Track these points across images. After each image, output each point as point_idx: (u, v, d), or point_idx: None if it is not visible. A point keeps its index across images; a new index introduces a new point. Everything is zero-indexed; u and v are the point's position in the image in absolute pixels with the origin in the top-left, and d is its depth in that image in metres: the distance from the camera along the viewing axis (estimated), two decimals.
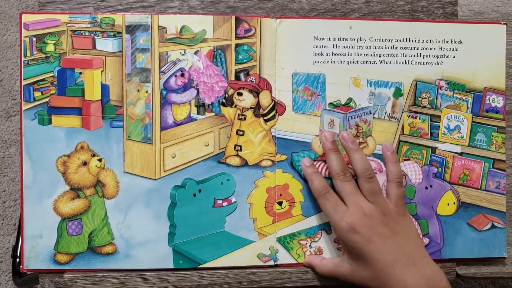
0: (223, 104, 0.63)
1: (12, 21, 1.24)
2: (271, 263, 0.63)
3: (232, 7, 0.64)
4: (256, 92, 0.63)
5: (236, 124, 0.64)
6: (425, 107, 0.66)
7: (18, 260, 0.79)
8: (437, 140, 0.66)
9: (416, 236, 0.59)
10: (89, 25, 0.62)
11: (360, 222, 0.56)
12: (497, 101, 0.67)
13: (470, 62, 0.66)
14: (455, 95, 0.66)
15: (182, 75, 0.63)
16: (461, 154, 0.66)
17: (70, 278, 0.61)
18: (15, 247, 0.80)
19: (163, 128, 0.62)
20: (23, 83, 0.60)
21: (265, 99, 0.64)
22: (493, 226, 0.66)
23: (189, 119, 0.63)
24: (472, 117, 0.66)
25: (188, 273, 0.63)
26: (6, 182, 1.16)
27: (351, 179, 0.60)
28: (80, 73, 0.61)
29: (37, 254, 0.61)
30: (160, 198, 0.62)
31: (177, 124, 0.63)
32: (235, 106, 0.63)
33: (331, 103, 0.64)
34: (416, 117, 0.66)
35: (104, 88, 0.62)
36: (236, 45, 0.63)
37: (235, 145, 0.63)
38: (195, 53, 0.63)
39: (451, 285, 0.57)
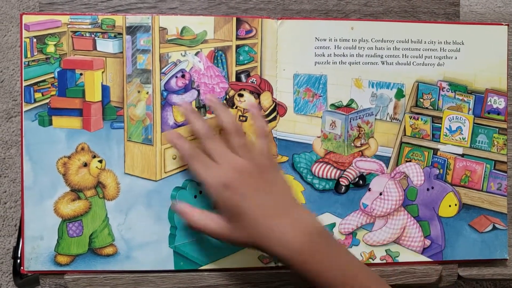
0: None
1: (13, 21, 1.24)
2: (272, 264, 0.63)
3: (233, 8, 0.64)
4: (257, 93, 0.63)
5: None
6: (426, 108, 0.66)
7: (19, 261, 0.78)
8: (439, 142, 0.66)
9: (288, 187, 0.57)
10: (89, 26, 0.61)
11: (232, 178, 0.54)
12: (499, 103, 0.66)
13: (472, 63, 0.66)
14: (456, 96, 0.66)
15: (183, 76, 0.62)
16: (462, 155, 0.66)
17: (71, 279, 0.61)
18: (16, 248, 0.79)
19: (164, 129, 0.62)
20: (24, 84, 0.60)
21: (266, 100, 0.63)
22: (494, 228, 0.66)
23: None
24: (474, 119, 0.66)
25: (189, 274, 0.62)
26: (7, 183, 1.17)
27: (218, 138, 0.57)
28: (81, 74, 0.61)
29: (37, 256, 0.61)
30: (161, 199, 0.62)
31: (178, 125, 0.62)
32: (236, 107, 0.63)
33: (332, 104, 0.64)
34: (418, 119, 0.65)
35: (105, 89, 0.61)
36: (237, 46, 0.63)
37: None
38: (196, 54, 0.63)
39: (452, 287, 0.57)
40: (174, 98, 0.62)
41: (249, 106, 0.62)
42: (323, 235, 0.54)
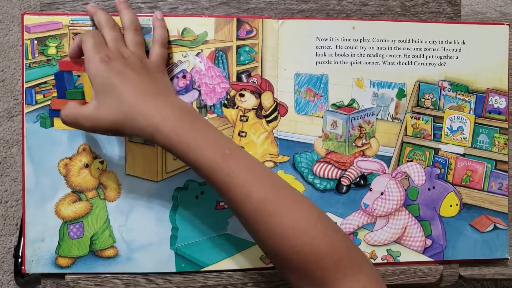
0: (225, 106, 0.63)
1: (14, 21, 1.24)
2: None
3: (234, 7, 0.64)
4: (258, 93, 0.63)
5: (238, 126, 0.63)
6: (428, 108, 0.65)
7: (20, 260, 0.79)
8: (440, 141, 0.66)
9: (166, 82, 0.59)
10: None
11: (115, 56, 0.54)
12: (500, 102, 0.66)
13: (473, 63, 0.66)
14: (458, 96, 0.66)
15: (184, 76, 0.62)
16: (463, 155, 0.66)
17: (72, 279, 0.61)
18: (17, 247, 0.80)
19: None
20: (25, 85, 0.60)
21: (267, 100, 0.63)
22: (495, 228, 0.66)
23: None
24: (475, 118, 0.66)
25: (191, 274, 0.63)
26: (8, 182, 1.17)
27: (116, 28, 0.58)
28: (79, 75, 0.61)
29: (38, 258, 0.61)
30: (162, 200, 0.62)
31: None
32: (237, 107, 0.63)
33: (334, 104, 0.64)
34: (419, 118, 0.65)
35: None
36: (238, 47, 0.63)
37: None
38: (197, 54, 0.63)
39: (453, 287, 0.57)
40: None
41: (157, 17, 0.62)
42: (199, 115, 0.56)
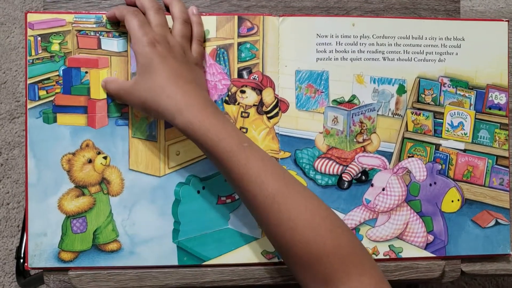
0: (226, 102, 0.64)
1: (16, 23, 1.25)
2: (275, 260, 0.63)
3: (235, 5, 0.65)
4: (259, 90, 0.64)
5: (239, 122, 0.64)
6: (428, 103, 0.66)
7: (22, 261, 0.79)
8: (441, 137, 0.66)
9: (202, 76, 0.62)
10: (94, 25, 0.62)
11: (161, 40, 0.57)
12: (500, 98, 0.67)
13: (473, 59, 0.67)
14: (458, 92, 0.66)
15: None
16: (464, 151, 0.66)
17: (75, 275, 0.61)
18: (19, 248, 0.80)
19: (168, 126, 0.62)
20: (28, 82, 0.61)
21: (268, 97, 0.64)
22: (497, 223, 0.66)
23: None
24: (475, 114, 0.66)
25: (192, 270, 0.63)
26: (10, 184, 1.17)
27: (163, 14, 0.60)
28: (86, 72, 0.62)
29: (41, 252, 0.61)
30: (165, 195, 0.62)
31: None
32: (238, 104, 0.64)
33: (334, 100, 0.65)
34: (419, 114, 0.66)
35: None
36: (239, 44, 0.64)
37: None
38: None
39: (455, 287, 0.57)
40: None
41: (192, 12, 0.63)
42: (216, 109, 0.56)
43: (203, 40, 0.63)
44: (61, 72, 0.61)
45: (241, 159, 0.52)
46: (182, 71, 0.56)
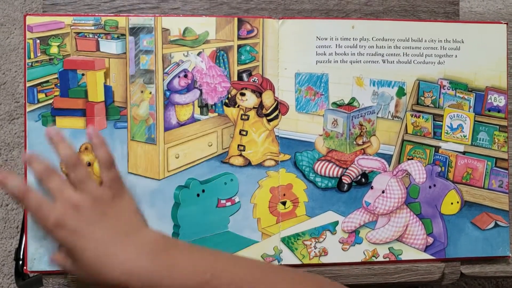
0: (226, 105, 0.64)
1: (16, 24, 1.25)
2: (275, 263, 0.63)
3: (235, 8, 0.65)
4: (259, 92, 0.64)
5: (239, 124, 0.64)
6: (428, 106, 0.66)
7: (21, 262, 0.78)
8: (440, 139, 0.66)
9: (129, 212, 0.55)
10: (93, 28, 0.62)
11: (66, 215, 0.51)
12: (499, 100, 0.67)
13: (472, 61, 0.67)
14: (457, 94, 0.66)
15: (185, 76, 0.63)
16: (464, 153, 0.66)
17: (74, 278, 0.61)
18: (18, 250, 0.79)
19: (167, 128, 0.62)
20: (27, 84, 0.61)
21: (268, 99, 0.64)
22: (496, 225, 0.66)
23: (193, 120, 0.63)
24: (475, 116, 0.66)
25: None
26: None
27: (55, 175, 0.54)
28: (83, 74, 0.61)
29: (40, 256, 0.61)
30: (164, 198, 0.62)
31: (180, 124, 0.63)
32: (238, 106, 0.64)
33: (334, 103, 0.65)
34: (419, 116, 0.66)
35: (107, 90, 0.62)
36: (239, 46, 0.64)
37: (238, 145, 0.63)
38: (198, 54, 0.63)
39: (453, 284, 0.57)
40: (177, 97, 0.63)
41: (91, 136, 0.56)
42: (168, 246, 0.53)
43: (112, 162, 0.56)
44: (58, 74, 0.61)
45: None
46: (101, 232, 0.51)
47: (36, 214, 0.52)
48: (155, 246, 0.52)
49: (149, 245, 0.52)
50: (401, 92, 0.65)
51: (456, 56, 0.66)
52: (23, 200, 0.52)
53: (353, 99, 0.65)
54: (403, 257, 0.65)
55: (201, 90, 0.63)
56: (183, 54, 0.63)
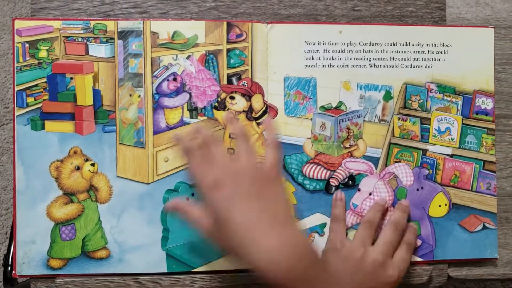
0: (216, 108, 0.64)
1: (5, 29, 1.25)
2: None
3: (223, 12, 0.65)
4: (248, 96, 0.64)
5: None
6: (415, 109, 0.66)
7: (10, 268, 0.78)
8: (428, 142, 0.67)
9: (282, 200, 0.53)
10: (82, 31, 0.62)
11: (226, 177, 0.51)
12: (487, 103, 0.68)
13: (460, 65, 0.67)
14: (445, 97, 0.67)
15: (175, 79, 0.63)
16: (451, 156, 0.67)
17: (62, 283, 0.61)
18: (6, 256, 0.79)
19: (156, 132, 0.62)
20: (16, 88, 0.61)
21: (257, 103, 0.64)
22: (484, 227, 0.67)
23: (182, 123, 0.63)
24: (462, 119, 0.67)
25: (181, 277, 0.63)
26: None
27: (220, 142, 0.57)
28: (71, 78, 0.61)
29: (29, 260, 0.61)
30: (153, 202, 0.62)
31: (169, 128, 0.63)
32: (228, 110, 0.64)
33: (322, 107, 0.65)
34: (406, 120, 0.66)
35: (96, 93, 0.62)
36: (228, 50, 0.64)
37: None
38: (187, 57, 0.63)
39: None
40: (166, 101, 0.63)
41: (265, 121, 0.63)
42: (312, 259, 0.52)
43: (279, 144, 0.58)
44: (47, 78, 0.61)
45: None
46: (255, 210, 0.50)
47: (197, 171, 0.52)
48: (288, 247, 0.49)
49: (285, 243, 0.49)
50: (388, 96, 0.66)
51: (443, 60, 0.67)
52: (188, 155, 0.53)
53: (341, 102, 0.65)
54: None
55: (190, 94, 0.63)
56: (172, 57, 0.63)
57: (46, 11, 0.63)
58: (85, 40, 0.62)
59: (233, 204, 0.50)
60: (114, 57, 0.62)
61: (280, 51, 0.64)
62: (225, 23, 0.64)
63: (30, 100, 0.61)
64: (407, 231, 0.63)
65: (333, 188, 0.65)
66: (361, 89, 0.65)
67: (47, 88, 0.61)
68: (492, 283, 1.02)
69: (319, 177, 0.65)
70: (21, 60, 0.61)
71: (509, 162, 0.69)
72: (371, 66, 0.66)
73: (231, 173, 0.51)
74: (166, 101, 0.63)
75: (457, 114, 0.67)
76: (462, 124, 0.67)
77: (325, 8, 0.67)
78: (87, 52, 0.62)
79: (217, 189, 0.50)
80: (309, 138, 0.65)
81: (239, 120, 0.59)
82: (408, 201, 0.65)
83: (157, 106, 0.63)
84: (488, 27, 0.68)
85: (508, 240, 0.69)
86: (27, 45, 0.61)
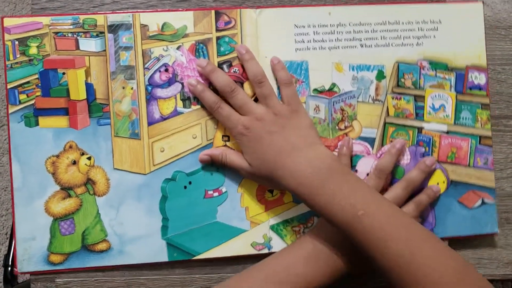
0: None
1: None
2: (266, 251, 0.64)
3: (209, 0, 0.65)
4: (240, 83, 0.64)
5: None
6: (408, 88, 0.66)
7: (10, 268, 0.78)
8: (423, 120, 0.67)
9: (305, 126, 0.61)
10: (71, 27, 0.62)
11: (252, 124, 0.59)
12: (480, 78, 0.67)
13: (451, 41, 0.67)
14: (437, 74, 0.67)
15: (166, 70, 0.63)
16: (447, 132, 0.67)
17: (62, 283, 0.62)
18: (6, 256, 0.79)
19: (150, 123, 0.63)
20: (8, 86, 0.61)
21: (249, 89, 0.64)
22: (483, 203, 0.67)
23: (176, 113, 0.63)
24: (456, 95, 0.67)
25: (181, 277, 0.63)
26: None
27: (241, 92, 0.61)
28: (63, 73, 0.62)
29: (30, 256, 0.61)
30: (151, 192, 0.62)
31: (164, 118, 0.63)
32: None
33: (315, 89, 0.65)
34: (400, 99, 0.66)
35: (89, 87, 0.62)
36: (218, 38, 0.64)
37: (223, 136, 0.64)
38: (178, 48, 0.63)
39: None
40: (159, 92, 0.63)
41: (272, 59, 0.64)
42: (335, 170, 0.57)
43: (290, 80, 0.63)
44: (39, 74, 0.61)
45: (358, 229, 0.52)
46: (280, 140, 0.58)
47: (226, 122, 0.61)
48: (317, 169, 0.56)
49: (311, 161, 0.57)
50: (380, 75, 0.66)
51: (434, 37, 0.67)
52: (216, 110, 0.61)
53: (334, 84, 0.65)
54: None
55: (182, 84, 0.63)
56: (163, 48, 0.63)
57: (46, 11, 0.63)
58: (75, 35, 0.62)
59: (260, 139, 0.59)
60: (105, 50, 0.62)
61: (270, 36, 0.64)
62: (213, 11, 0.64)
63: (23, 97, 0.61)
64: (422, 191, 0.64)
65: None
66: (353, 70, 0.65)
67: (39, 84, 0.61)
68: (492, 283, 1.01)
69: None
70: (11, 57, 0.61)
71: (509, 163, 0.70)
72: (362, 47, 0.66)
73: (256, 120, 0.59)
74: (159, 92, 0.63)
75: (450, 91, 0.67)
76: (456, 100, 0.67)
77: None
78: (77, 47, 0.62)
79: (247, 132, 0.59)
80: None
81: (255, 61, 0.64)
82: (433, 159, 0.65)
83: (150, 97, 0.63)
84: (476, 1, 0.68)
85: (508, 241, 0.69)
86: (16, 42, 0.61)
